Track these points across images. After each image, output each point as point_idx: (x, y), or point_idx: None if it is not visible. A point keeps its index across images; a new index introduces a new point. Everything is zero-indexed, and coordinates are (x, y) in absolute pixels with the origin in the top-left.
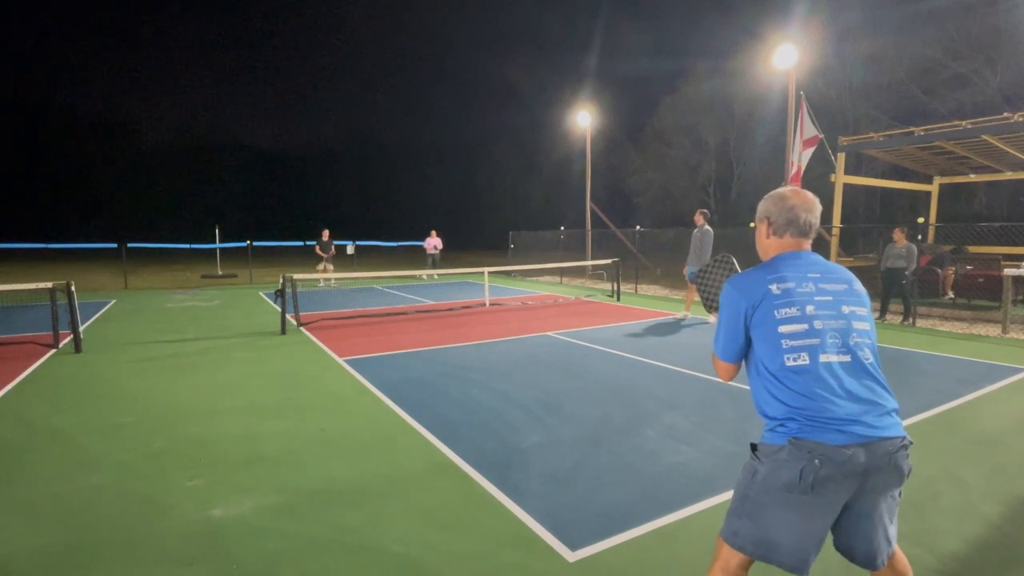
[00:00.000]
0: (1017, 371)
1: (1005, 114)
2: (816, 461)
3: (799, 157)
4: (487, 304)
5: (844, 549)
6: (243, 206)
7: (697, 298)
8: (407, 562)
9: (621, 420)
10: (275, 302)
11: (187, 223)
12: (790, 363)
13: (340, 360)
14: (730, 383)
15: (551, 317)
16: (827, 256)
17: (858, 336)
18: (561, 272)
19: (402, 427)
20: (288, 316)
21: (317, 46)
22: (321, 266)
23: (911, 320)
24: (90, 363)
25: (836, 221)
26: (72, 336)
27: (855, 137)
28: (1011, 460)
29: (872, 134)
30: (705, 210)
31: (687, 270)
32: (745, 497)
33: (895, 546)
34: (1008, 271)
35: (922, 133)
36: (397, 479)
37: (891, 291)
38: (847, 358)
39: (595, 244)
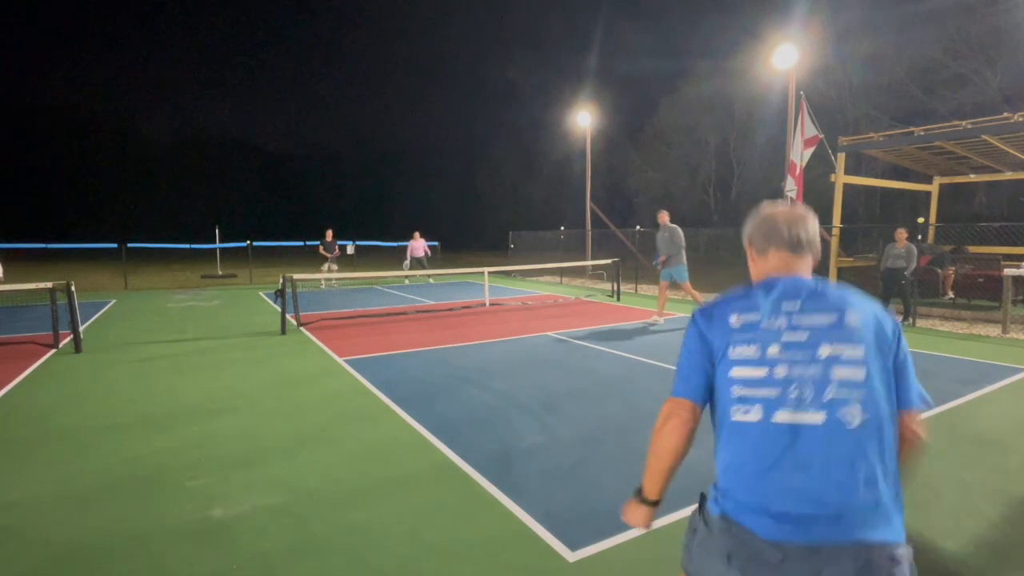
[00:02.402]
0: (1017, 371)
1: (1005, 114)
2: (743, 553)
3: (799, 157)
4: (487, 304)
5: None
6: (243, 206)
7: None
8: (407, 562)
9: (621, 420)
10: (275, 302)
11: (187, 223)
12: (736, 417)
13: (340, 360)
14: None
15: (551, 317)
16: (827, 256)
17: (839, 388)
18: (561, 272)
19: (402, 427)
20: (288, 316)
21: (318, 47)
22: (326, 266)
23: (911, 320)
24: (90, 363)
25: (836, 221)
26: (72, 336)
27: (855, 137)
28: (1011, 460)
29: (872, 134)
30: (665, 210)
31: (661, 266)
32: (688, 546)
33: None
34: (1008, 271)
35: (922, 133)
36: (397, 479)
37: (891, 291)
38: (817, 419)
39: (595, 244)
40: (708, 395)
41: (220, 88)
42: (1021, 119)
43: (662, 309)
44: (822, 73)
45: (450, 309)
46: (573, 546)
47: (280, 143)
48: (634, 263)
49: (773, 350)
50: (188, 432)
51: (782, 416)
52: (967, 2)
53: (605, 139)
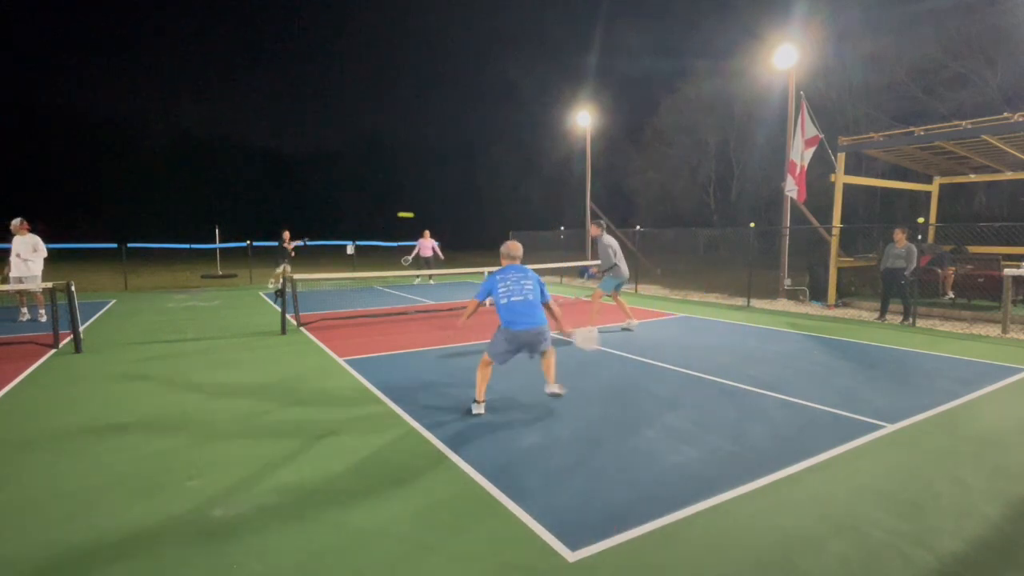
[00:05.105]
0: (1017, 371)
1: (1005, 114)
2: (510, 335)
3: (800, 157)
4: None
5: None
6: (243, 206)
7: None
8: (407, 562)
9: (621, 420)
10: (275, 302)
11: (187, 223)
12: (502, 301)
13: (340, 360)
14: (727, 383)
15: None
16: (827, 255)
17: (528, 292)
18: (561, 272)
19: (402, 427)
20: (288, 316)
21: (318, 46)
22: (279, 269)
23: (911, 320)
24: (90, 363)
25: (836, 221)
26: (72, 336)
27: (855, 137)
28: (1011, 460)
29: (872, 134)
30: (601, 220)
31: (603, 279)
32: (493, 342)
33: (548, 350)
34: (1008, 271)
35: (922, 133)
36: (397, 479)
37: (891, 291)
38: (522, 298)
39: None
40: (486, 298)
41: (221, 88)
42: (1021, 119)
43: (627, 315)
44: (822, 73)
45: (450, 309)
46: (573, 546)
47: (280, 143)
48: (634, 263)
49: (510, 284)
50: (188, 432)
51: (513, 299)
52: (967, 2)
53: (605, 139)
